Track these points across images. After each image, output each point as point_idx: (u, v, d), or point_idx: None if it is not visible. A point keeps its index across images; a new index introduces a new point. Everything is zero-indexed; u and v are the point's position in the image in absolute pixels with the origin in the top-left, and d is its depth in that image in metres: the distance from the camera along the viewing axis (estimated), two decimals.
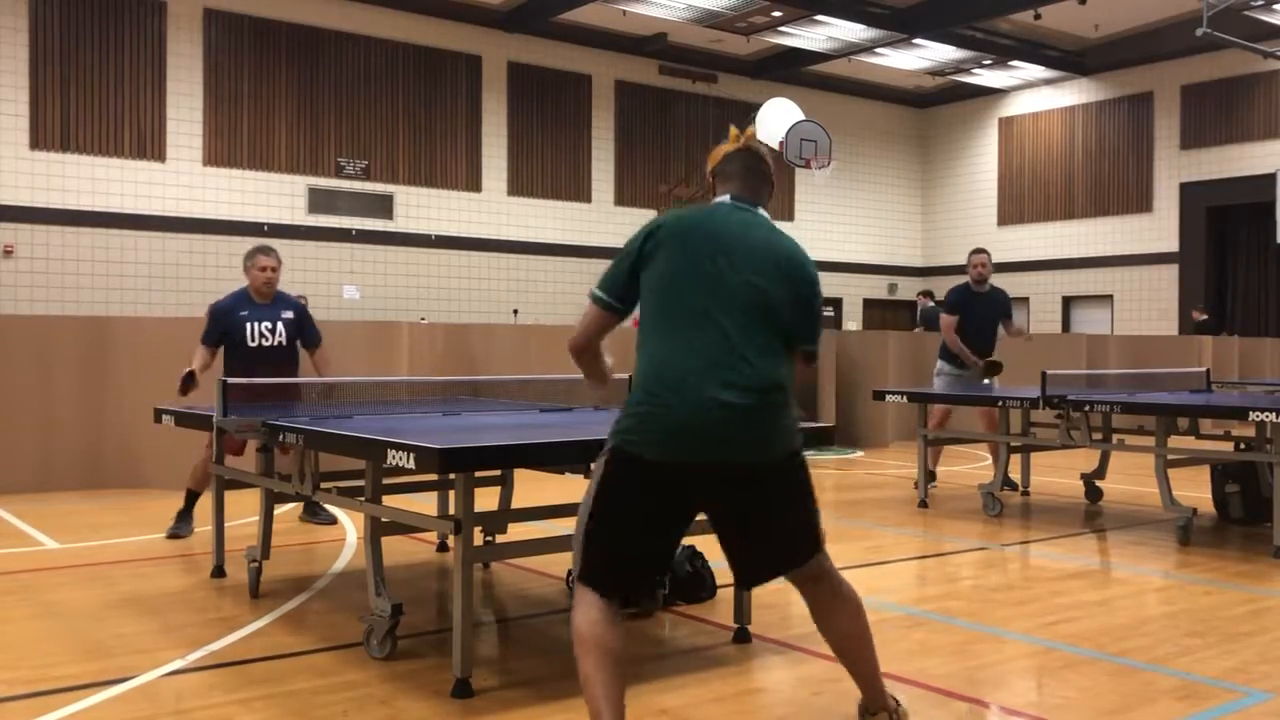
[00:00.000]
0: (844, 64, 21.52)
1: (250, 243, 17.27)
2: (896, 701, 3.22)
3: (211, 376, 5.51)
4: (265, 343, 6.36)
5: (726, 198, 3.22)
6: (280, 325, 6.41)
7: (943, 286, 18.66)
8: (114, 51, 16.34)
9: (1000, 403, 7.35)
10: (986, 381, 8.45)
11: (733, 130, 3.37)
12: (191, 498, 6.53)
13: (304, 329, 6.59)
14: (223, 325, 6.34)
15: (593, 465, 3.06)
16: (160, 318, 11.31)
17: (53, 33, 15.86)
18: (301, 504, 6.83)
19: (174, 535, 6.46)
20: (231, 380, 4.92)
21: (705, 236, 3.06)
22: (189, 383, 5.94)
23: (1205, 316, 18.40)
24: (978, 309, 8.55)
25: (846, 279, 24.23)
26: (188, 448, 7.57)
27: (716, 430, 2.88)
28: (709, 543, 4.77)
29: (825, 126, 18.17)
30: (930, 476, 8.18)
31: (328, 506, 6.91)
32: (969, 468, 10.30)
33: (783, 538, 3.07)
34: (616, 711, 2.86)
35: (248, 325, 6.33)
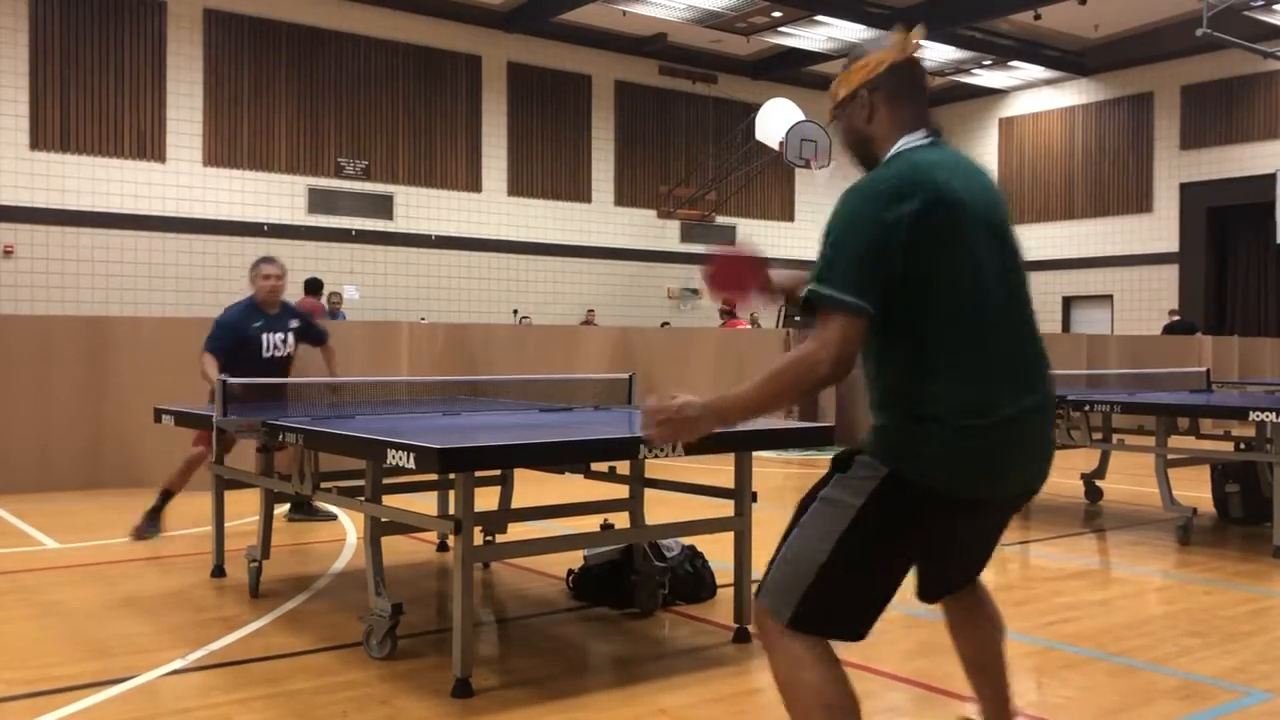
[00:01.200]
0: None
1: (250, 243, 17.39)
2: None
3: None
4: (278, 354, 6.43)
5: (922, 135, 2.44)
6: (290, 336, 6.50)
7: None
8: (114, 51, 16.34)
9: None
10: None
11: (898, 33, 2.54)
12: (165, 497, 6.37)
13: (310, 332, 6.67)
14: (237, 338, 6.29)
15: (832, 493, 2.41)
16: (160, 318, 11.31)
17: (53, 33, 15.86)
18: (289, 505, 6.84)
19: (141, 536, 6.27)
20: (234, 380, 4.92)
21: (985, 205, 2.36)
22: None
23: (1178, 317, 18.38)
24: None
25: None
26: (187, 447, 7.58)
27: (1034, 459, 2.45)
28: (709, 543, 4.78)
29: (825, 127, 18.20)
30: None
31: (327, 506, 6.91)
32: None
33: (990, 551, 2.71)
34: None
35: (263, 338, 6.36)
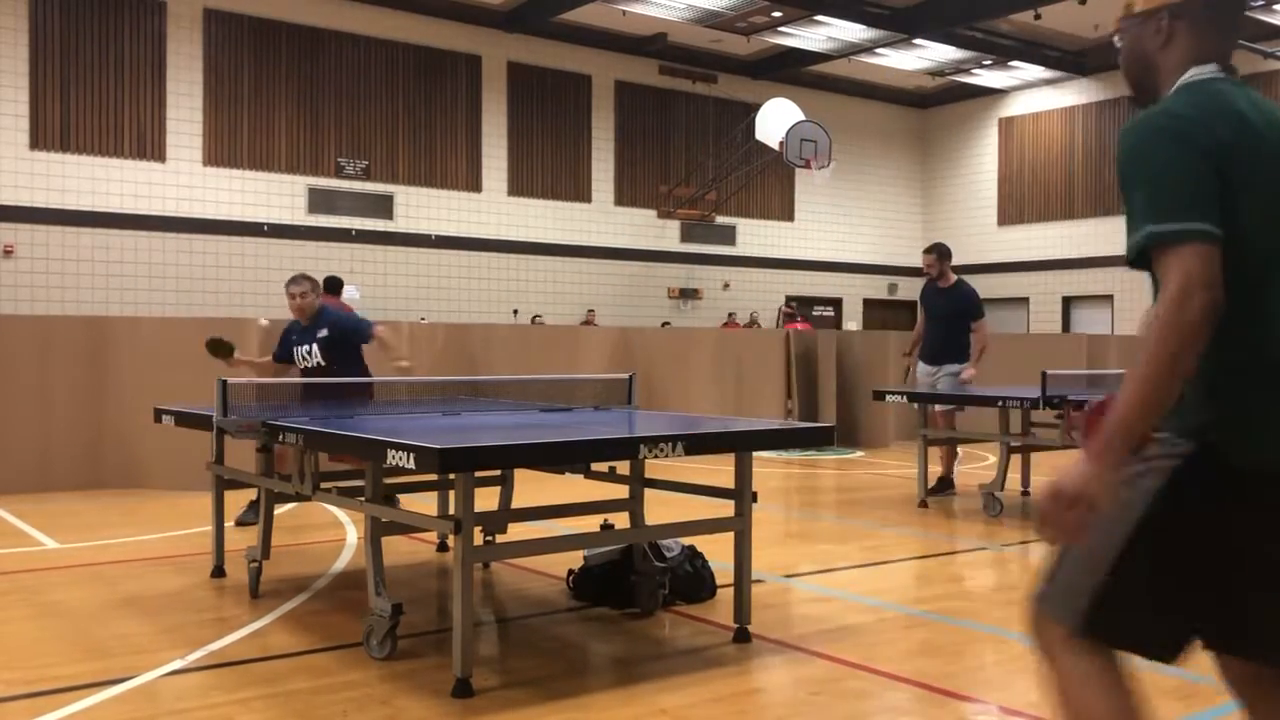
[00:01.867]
0: (844, 64, 21.51)
1: (250, 243, 17.42)
2: None
3: (212, 374, 5.51)
4: (306, 365, 6.57)
5: (1214, 69, 2.11)
6: (315, 347, 6.55)
7: None
8: (114, 51, 16.34)
9: (1000, 403, 7.35)
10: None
11: None
12: None
13: (346, 338, 6.62)
14: (287, 344, 6.65)
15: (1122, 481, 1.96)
16: (160, 318, 11.31)
17: (53, 33, 15.86)
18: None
19: (243, 523, 6.70)
20: (233, 380, 4.92)
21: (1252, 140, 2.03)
22: (226, 351, 6.32)
23: None
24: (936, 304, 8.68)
25: (846, 279, 24.23)
26: (188, 448, 7.58)
27: None
28: (709, 543, 4.79)
29: (825, 126, 18.21)
30: (948, 484, 8.34)
31: (328, 506, 6.91)
32: (969, 468, 10.30)
33: None
34: None
35: (295, 350, 6.63)
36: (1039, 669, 2.11)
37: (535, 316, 18.87)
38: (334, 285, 13.40)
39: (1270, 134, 2.05)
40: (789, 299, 17.36)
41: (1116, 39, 2.31)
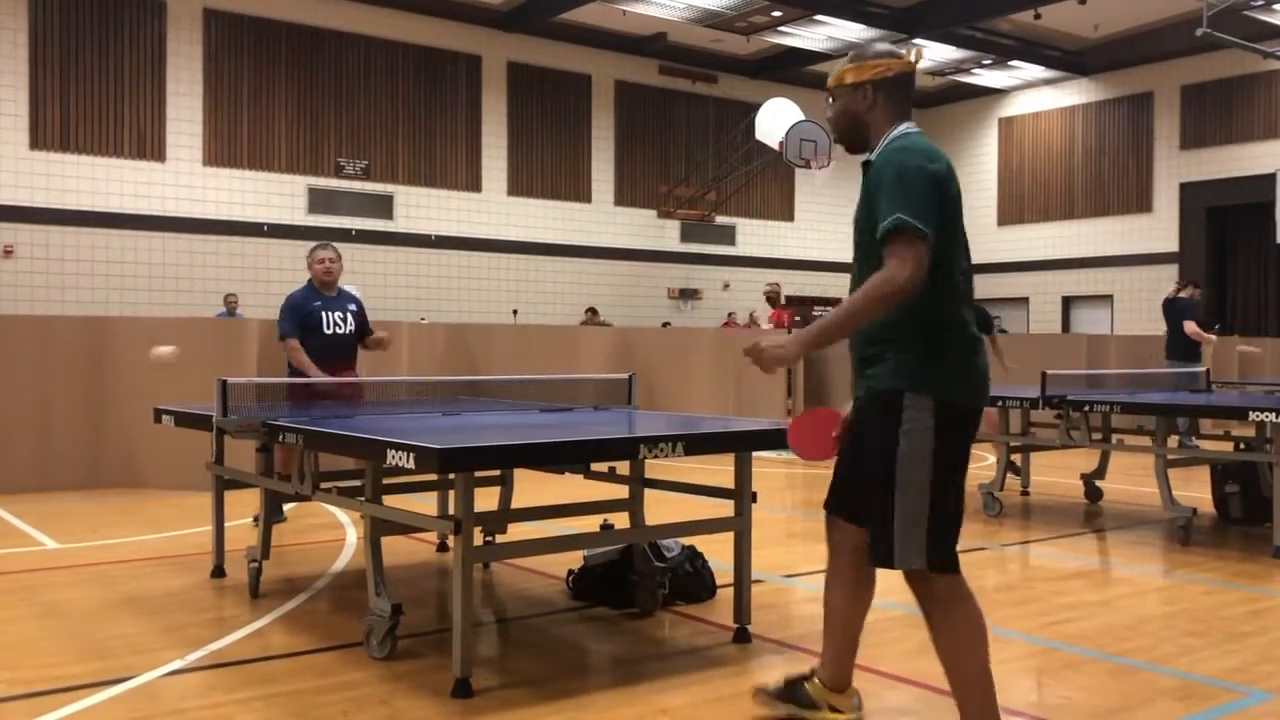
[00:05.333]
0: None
1: (250, 243, 17.41)
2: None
3: (212, 374, 5.51)
4: (339, 330, 6.85)
5: (915, 125, 3.04)
6: (350, 316, 6.94)
7: None
8: (114, 51, 16.34)
9: (1000, 403, 7.35)
10: None
11: (907, 48, 3.14)
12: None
13: (363, 326, 7.05)
14: (300, 315, 6.80)
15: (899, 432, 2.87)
16: (160, 318, 11.31)
17: (53, 33, 15.86)
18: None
19: (272, 521, 6.71)
20: (233, 380, 4.92)
21: (957, 186, 2.97)
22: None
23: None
24: None
25: (846, 279, 24.08)
26: (188, 448, 7.58)
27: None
28: (709, 543, 4.79)
29: (825, 126, 18.18)
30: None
31: (329, 507, 6.92)
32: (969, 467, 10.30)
33: None
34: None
35: (323, 314, 6.82)
36: (925, 616, 2.95)
37: (590, 312, 18.76)
38: None
39: (953, 171, 2.95)
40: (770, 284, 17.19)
41: (829, 100, 3.16)
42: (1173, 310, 11.46)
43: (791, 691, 3.30)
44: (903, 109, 3.04)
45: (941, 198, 2.84)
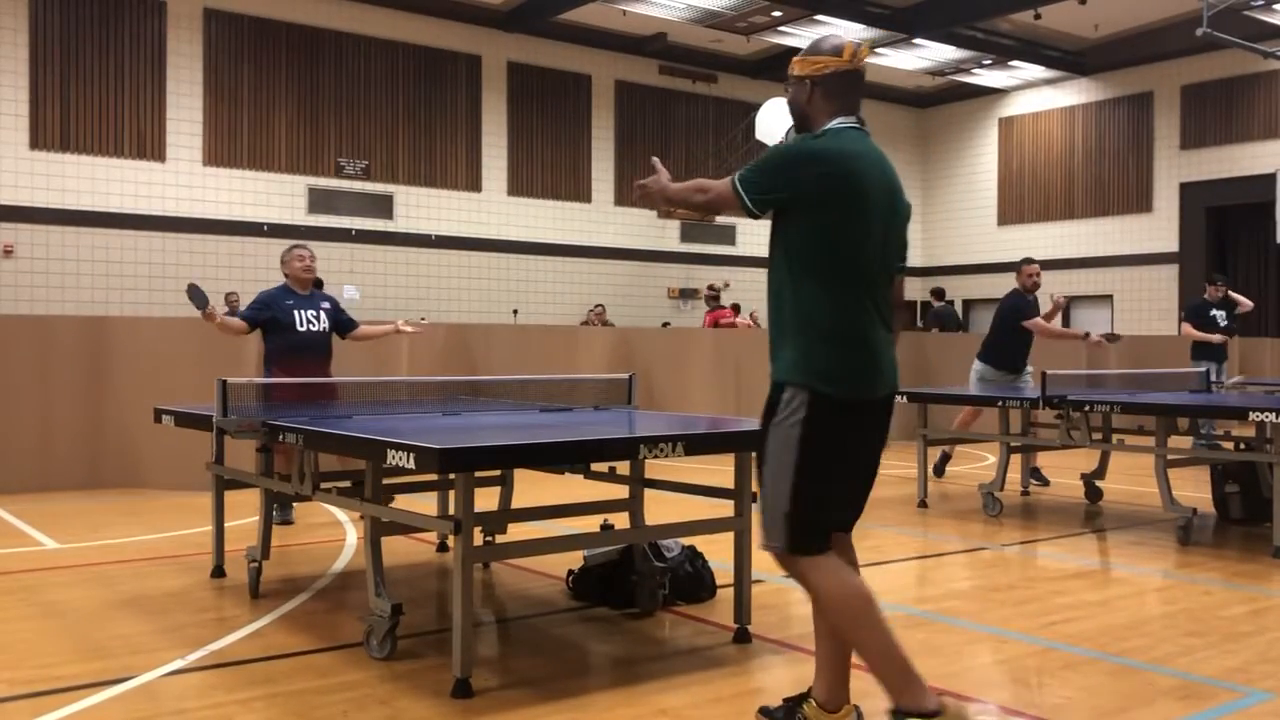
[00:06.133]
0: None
1: (250, 243, 17.40)
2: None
3: (212, 374, 5.51)
4: (313, 328, 6.93)
5: (853, 121, 3.13)
6: (322, 314, 7.02)
7: (947, 286, 18.65)
8: (114, 51, 16.34)
9: (1000, 403, 7.36)
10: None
11: (848, 45, 3.20)
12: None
13: (340, 318, 7.14)
14: (271, 310, 6.87)
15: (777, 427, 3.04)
16: (160, 318, 11.30)
17: (53, 33, 15.86)
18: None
19: (281, 522, 6.80)
20: (233, 380, 4.92)
21: (883, 190, 3.05)
22: (202, 302, 6.48)
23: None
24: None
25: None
26: (188, 448, 7.58)
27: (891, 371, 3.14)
28: (709, 543, 4.79)
29: None
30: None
31: (328, 506, 6.92)
32: (969, 468, 10.30)
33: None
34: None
35: (296, 312, 6.90)
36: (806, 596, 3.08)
37: (596, 311, 18.73)
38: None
39: (878, 174, 3.07)
40: (711, 286, 17.04)
41: (786, 88, 3.28)
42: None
43: (790, 714, 3.23)
44: (843, 105, 3.14)
45: (839, 190, 2.98)
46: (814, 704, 3.19)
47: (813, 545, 3.02)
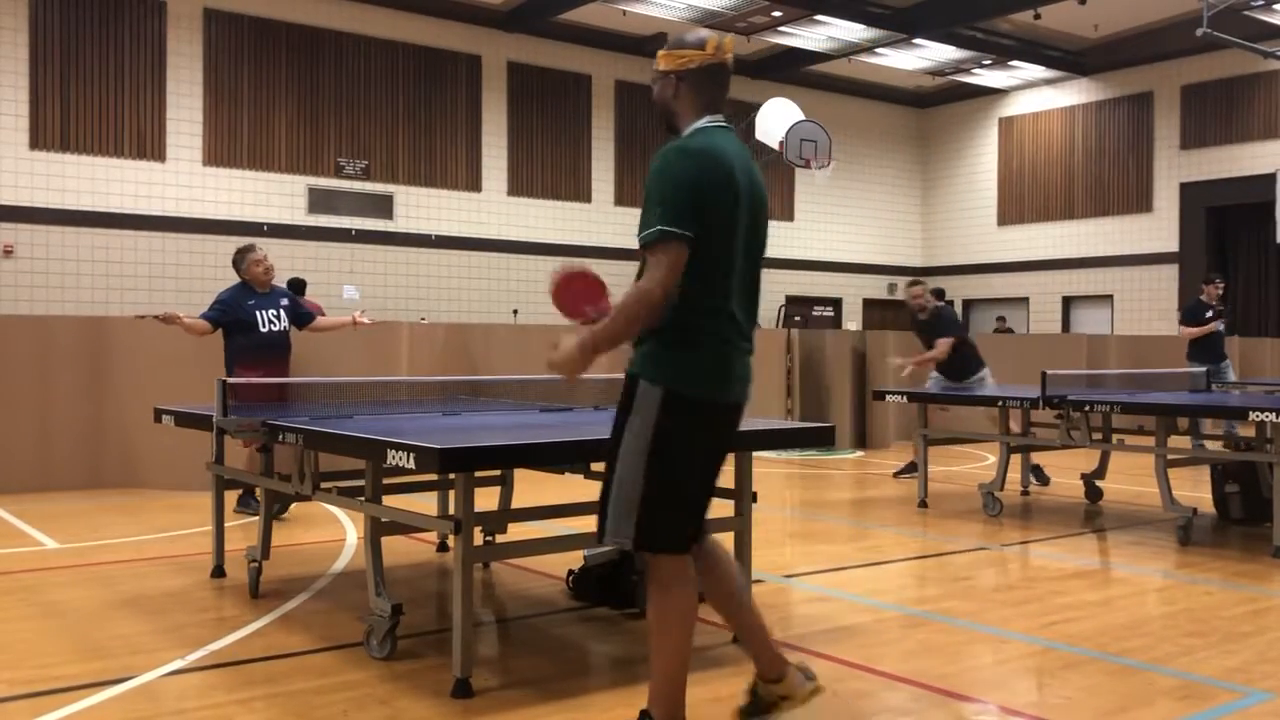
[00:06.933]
0: (844, 64, 21.51)
1: (250, 242, 17.32)
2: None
3: (212, 374, 5.51)
4: (274, 328, 7.02)
5: (719, 119, 3.09)
6: (282, 312, 7.13)
7: (947, 286, 18.65)
8: (114, 51, 16.34)
9: (1000, 403, 7.36)
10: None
11: (712, 38, 3.11)
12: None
13: (298, 312, 7.26)
14: (233, 311, 6.94)
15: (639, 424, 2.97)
16: None
17: (53, 33, 15.86)
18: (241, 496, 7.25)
19: (243, 510, 7.03)
20: (233, 380, 4.92)
21: (751, 185, 3.02)
22: (167, 321, 6.67)
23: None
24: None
25: (846, 279, 24.22)
26: (187, 448, 7.59)
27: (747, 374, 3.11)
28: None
29: (825, 126, 18.20)
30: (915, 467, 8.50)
31: (329, 506, 6.91)
32: (969, 468, 10.30)
33: None
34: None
35: (258, 313, 6.98)
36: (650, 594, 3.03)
37: (514, 310, 18.82)
38: (297, 287, 13.57)
39: (747, 177, 3.02)
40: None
41: (651, 84, 3.18)
42: None
43: (754, 703, 3.29)
44: (709, 100, 3.08)
45: (705, 200, 2.89)
46: (762, 683, 3.25)
47: (667, 543, 2.99)
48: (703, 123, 3.05)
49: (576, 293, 3.28)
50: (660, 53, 3.14)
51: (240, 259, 7.20)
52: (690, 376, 2.95)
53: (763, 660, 3.25)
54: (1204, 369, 9.14)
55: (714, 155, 2.95)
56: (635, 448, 2.94)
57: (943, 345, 8.82)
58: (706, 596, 3.23)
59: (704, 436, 3.01)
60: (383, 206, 18.71)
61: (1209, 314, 11.15)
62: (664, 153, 2.97)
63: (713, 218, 2.92)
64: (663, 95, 3.13)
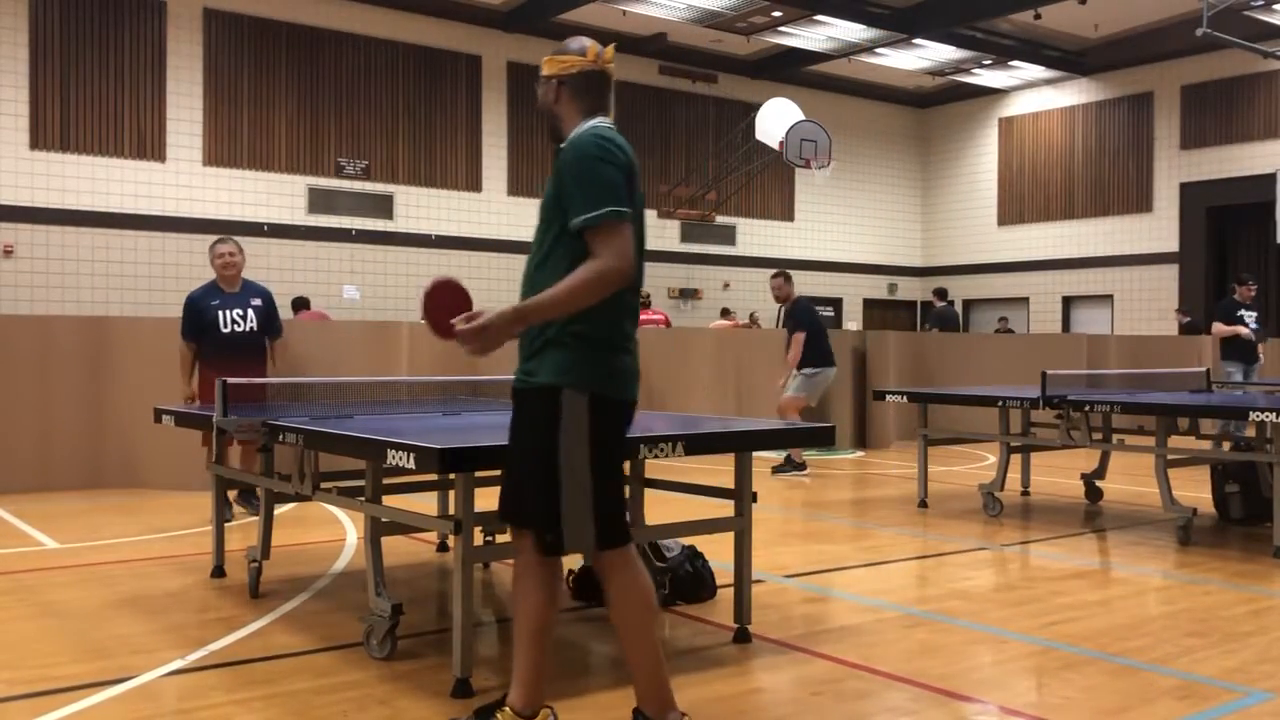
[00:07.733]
0: (844, 64, 21.51)
1: (250, 242, 17.30)
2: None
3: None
4: (238, 329, 6.75)
5: (607, 120, 3.12)
6: (251, 312, 6.85)
7: (947, 286, 18.67)
8: (114, 51, 16.34)
9: (1000, 403, 7.36)
10: None
11: (592, 46, 3.16)
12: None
13: (271, 319, 6.99)
14: (196, 316, 6.78)
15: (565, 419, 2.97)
16: (160, 318, 11.29)
17: (53, 33, 15.86)
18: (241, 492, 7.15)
19: (243, 506, 6.97)
20: (233, 380, 4.92)
21: (638, 189, 3.06)
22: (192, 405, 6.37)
23: (1189, 318, 18.34)
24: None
25: (846, 279, 24.23)
26: (187, 448, 7.59)
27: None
28: (709, 543, 4.78)
29: (825, 126, 18.20)
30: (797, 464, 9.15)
31: (329, 506, 6.91)
32: (969, 468, 10.30)
33: None
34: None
35: (220, 313, 6.76)
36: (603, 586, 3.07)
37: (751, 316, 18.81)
38: (299, 304, 13.59)
39: (638, 176, 3.06)
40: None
41: (537, 87, 3.22)
42: None
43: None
44: (593, 104, 3.12)
45: (630, 188, 2.97)
46: (509, 711, 3.04)
47: (623, 536, 3.04)
48: (592, 124, 3.07)
49: (441, 305, 3.26)
50: (545, 59, 3.19)
51: (210, 251, 7.07)
52: (615, 381, 3.04)
53: (533, 689, 3.06)
54: (1234, 369, 9.17)
55: (624, 147, 3.03)
56: (578, 461, 2.95)
57: (796, 342, 9.53)
58: (525, 597, 3.05)
59: (623, 433, 3.12)
60: (383, 206, 18.71)
61: (1241, 313, 11.17)
62: (579, 142, 2.99)
63: (633, 208, 2.98)
64: (545, 99, 3.18)
